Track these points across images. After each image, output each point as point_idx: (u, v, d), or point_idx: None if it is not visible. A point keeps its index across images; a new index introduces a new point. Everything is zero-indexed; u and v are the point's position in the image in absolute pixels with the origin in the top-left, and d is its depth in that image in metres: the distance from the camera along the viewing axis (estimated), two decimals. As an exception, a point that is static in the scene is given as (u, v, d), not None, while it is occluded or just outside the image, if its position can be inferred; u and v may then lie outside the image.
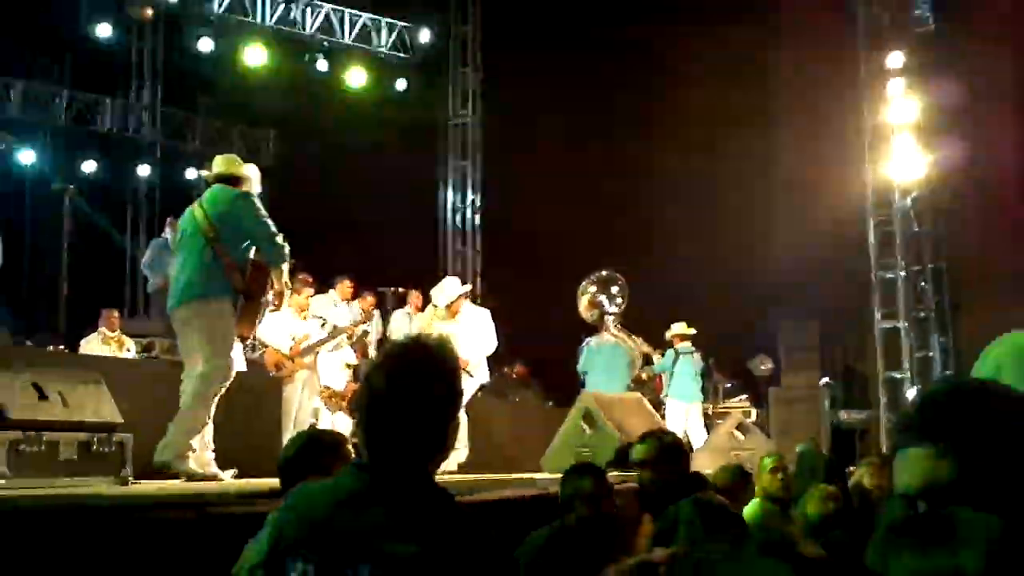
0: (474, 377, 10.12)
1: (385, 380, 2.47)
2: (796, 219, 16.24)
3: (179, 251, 7.35)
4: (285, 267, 7.27)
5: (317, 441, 4.27)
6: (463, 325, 10.36)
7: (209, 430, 7.13)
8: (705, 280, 15.55)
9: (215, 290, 6.98)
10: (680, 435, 7.29)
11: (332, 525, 2.38)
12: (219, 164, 7.49)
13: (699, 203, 16.12)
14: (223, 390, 7.04)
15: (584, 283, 13.30)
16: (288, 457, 4.06)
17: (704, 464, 7.97)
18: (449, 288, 10.63)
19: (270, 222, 7.08)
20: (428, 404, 2.47)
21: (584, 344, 13.17)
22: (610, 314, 13.08)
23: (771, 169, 16.53)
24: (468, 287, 10.49)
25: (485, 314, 10.59)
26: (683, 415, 13.19)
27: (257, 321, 7.30)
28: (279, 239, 7.09)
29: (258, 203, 7.18)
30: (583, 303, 13.25)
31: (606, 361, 12.85)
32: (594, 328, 13.22)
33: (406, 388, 2.45)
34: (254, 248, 7.08)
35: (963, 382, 1.96)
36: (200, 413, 6.98)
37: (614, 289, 13.21)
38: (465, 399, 9.48)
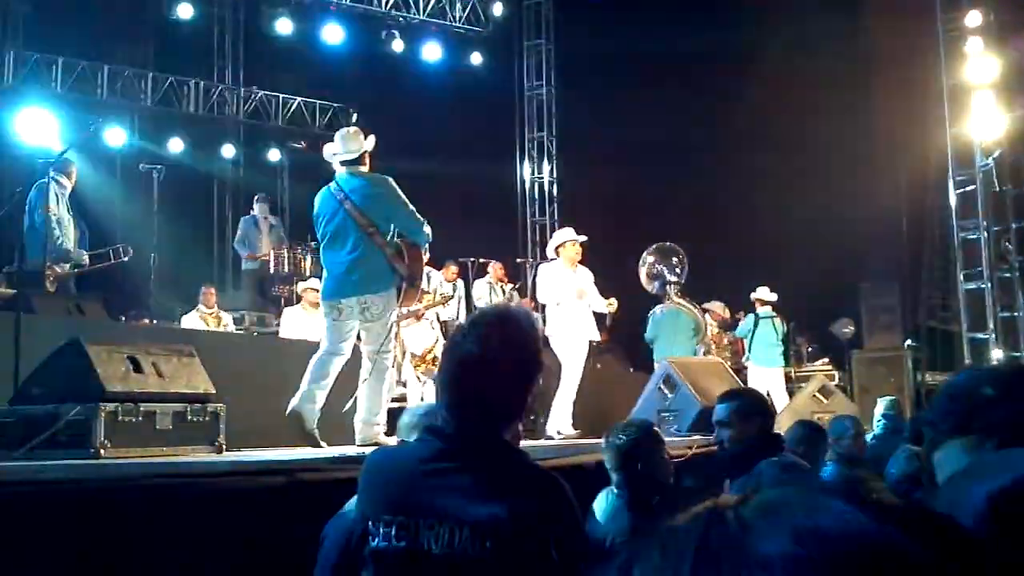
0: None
1: (471, 346, 2.51)
2: (878, 181, 16.02)
3: (328, 240, 7.42)
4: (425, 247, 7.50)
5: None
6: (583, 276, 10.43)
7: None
8: (786, 243, 15.38)
9: (383, 284, 7.21)
10: (762, 399, 7.25)
11: (411, 488, 2.43)
12: (344, 143, 7.54)
13: (779, 169, 15.92)
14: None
15: (644, 255, 13.30)
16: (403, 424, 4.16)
17: (787, 428, 7.92)
18: (559, 235, 10.68)
19: (409, 204, 7.27)
20: (512, 370, 2.51)
21: (651, 314, 13.22)
22: (671, 283, 13.05)
23: (852, 131, 16.26)
24: (581, 237, 10.52)
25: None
26: (764, 380, 13.10)
27: (415, 298, 7.68)
28: (421, 221, 7.30)
29: (394, 185, 7.33)
30: (643, 274, 13.25)
31: (671, 328, 12.91)
32: (658, 299, 13.23)
33: (492, 354, 2.49)
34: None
35: (979, 370, 1.99)
36: (383, 394, 7.28)
37: (674, 259, 13.18)
38: (576, 353, 9.66)
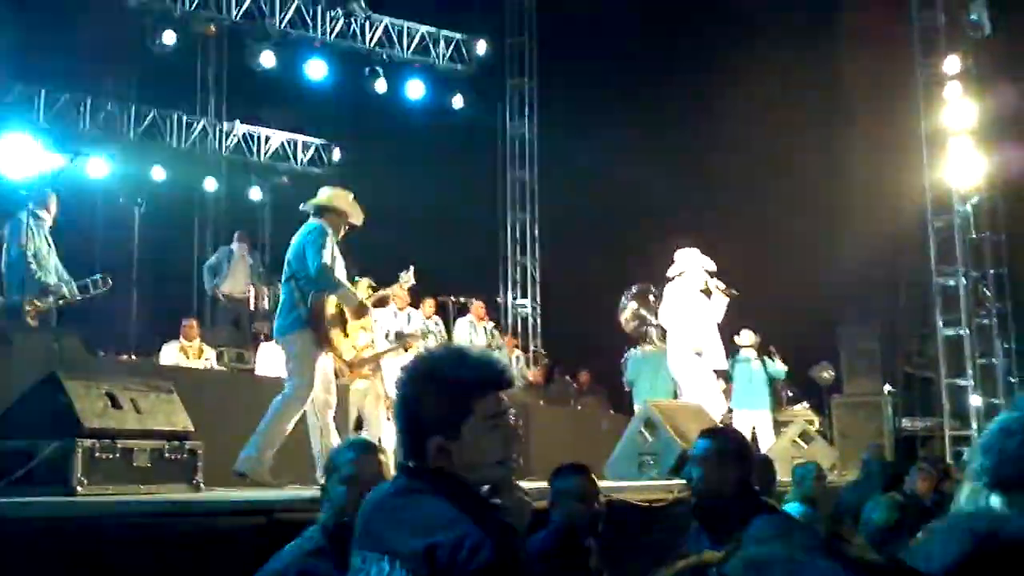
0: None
1: (408, 386, 2.56)
2: (856, 226, 16.09)
3: None
4: (341, 294, 7.64)
5: (358, 449, 4.34)
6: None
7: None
8: (766, 287, 15.42)
9: (291, 327, 7.51)
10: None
11: (370, 522, 2.51)
12: (317, 197, 7.95)
13: (757, 212, 16.01)
14: (301, 408, 7.44)
15: (623, 297, 13.30)
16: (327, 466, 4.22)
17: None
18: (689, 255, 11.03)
19: (324, 254, 7.45)
20: (439, 406, 2.52)
21: (627, 355, 13.20)
22: (652, 325, 13.07)
23: (830, 176, 16.37)
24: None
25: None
26: (748, 423, 13.07)
27: (336, 341, 7.70)
28: (321, 268, 7.44)
29: (321, 236, 7.53)
30: (625, 316, 13.24)
31: (651, 371, 12.90)
32: (635, 340, 13.25)
33: (421, 392, 2.53)
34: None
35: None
36: (280, 427, 7.36)
37: (652, 299, 13.18)
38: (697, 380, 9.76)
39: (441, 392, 2.52)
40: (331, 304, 7.64)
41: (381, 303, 8.28)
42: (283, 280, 7.67)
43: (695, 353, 10.66)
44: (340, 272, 7.70)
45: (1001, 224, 16.25)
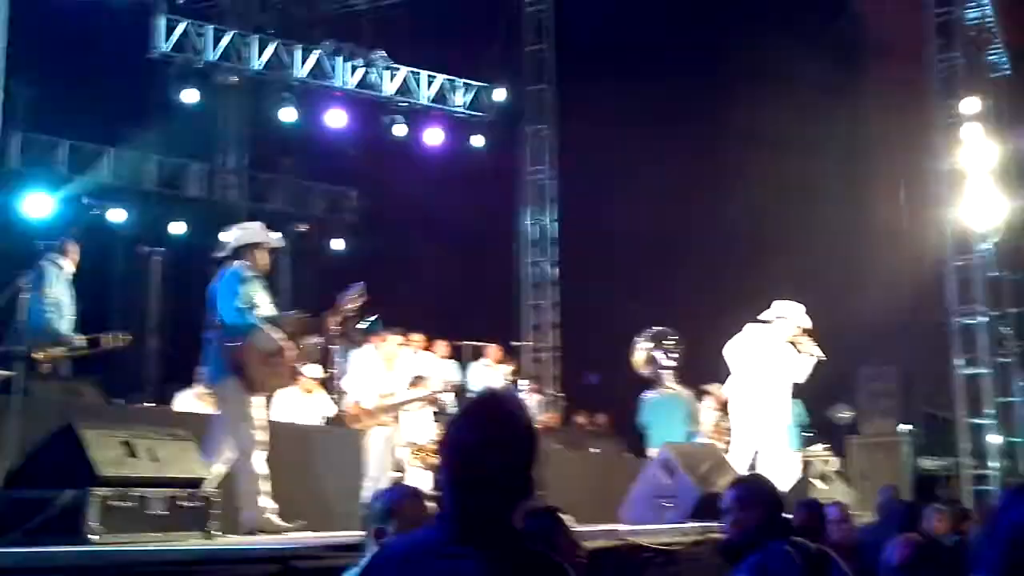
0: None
1: (467, 434, 2.54)
2: (876, 266, 16.06)
3: None
4: (255, 337, 7.45)
5: (401, 494, 4.32)
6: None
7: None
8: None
9: (216, 377, 7.51)
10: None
11: (425, 575, 2.45)
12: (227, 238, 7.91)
13: (776, 252, 15.98)
14: (264, 450, 7.35)
15: (638, 339, 13.24)
16: (372, 510, 4.14)
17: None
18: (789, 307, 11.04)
19: (236, 299, 7.41)
20: (514, 454, 2.53)
21: (643, 398, 13.13)
22: (666, 368, 13.02)
23: (849, 217, 16.36)
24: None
25: None
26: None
27: (262, 384, 7.51)
28: (232, 318, 7.38)
29: (234, 281, 7.50)
30: (638, 359, 13.17)
31: (665, 414, 12.84)
32: (651, 383, 13.17)
33: (493, 439, 2.51)
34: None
35: None
36: (255, 479, 7.29)
37: (668, 343, 13.14)
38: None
39: None
40: (268, 343, 7.50)
41: (307, 331, 7.99)
42: (205, 330, 7.58)
43: (741, 393, 10.70)
44: (266, 309, 7.63)
45: (1021, 263, 16.20)
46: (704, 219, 17.01)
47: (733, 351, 10.88)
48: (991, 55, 16.63)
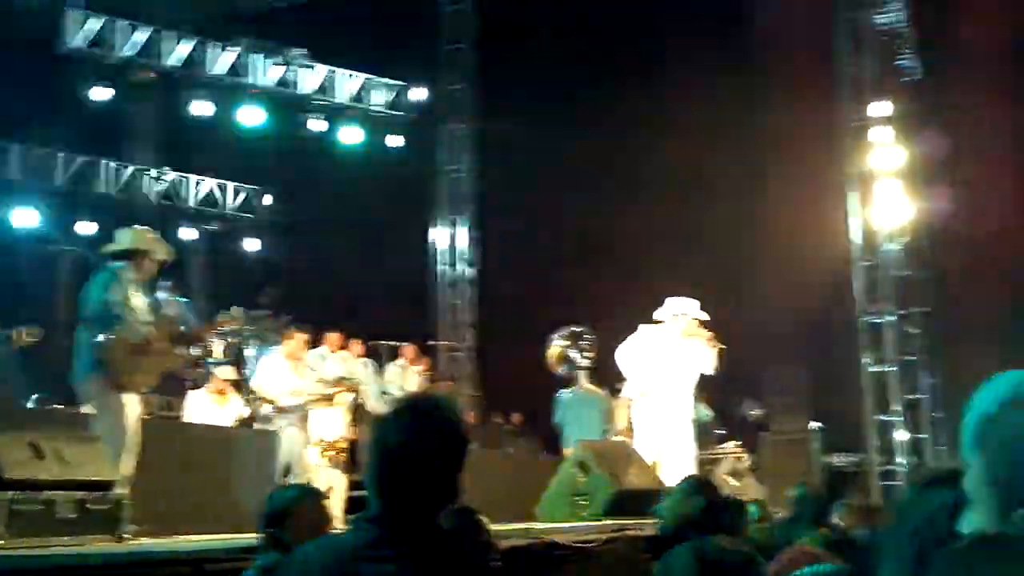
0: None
1: (401, 434, 2.52)
2: (785, 266, 16.29)
3: None
4: (119, 333, 7.27)
5: (298, 493, 4.28)
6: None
7: None
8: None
9: (82, 374, 7.30)
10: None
11: None
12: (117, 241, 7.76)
13: (688, 253, 16.17)
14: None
15: (553, 337, 13.29)
16: (265, 512, 4.07)
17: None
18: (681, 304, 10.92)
19: (106, 296, 7.26)
20: (444, 455, 2.53)
21: (558, 397, 13.17)
22: (581, 367, 13.08)
23: (759, 217, 16.58)
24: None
25: None
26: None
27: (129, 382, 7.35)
28: (97, 314, 7.25)
29: (107, 280, 7.37)
30: (552, 357, 13.23)
31: (580, 413, 12.84)
32: (567, 382, 13.23)
33: (422, 442, 2.50)
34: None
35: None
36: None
37: (583, 342, 13.20)
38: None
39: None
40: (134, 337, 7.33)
41: (186, 340, 7.84)
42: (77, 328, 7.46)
43: (640, 395, 10.70)
44: (143, 314, 7.46)
45: (927, 264, 16.54)
46: (622, 218, 17.13)
47: (627, 354, 10.84)
48: (901, 59, 16.93)
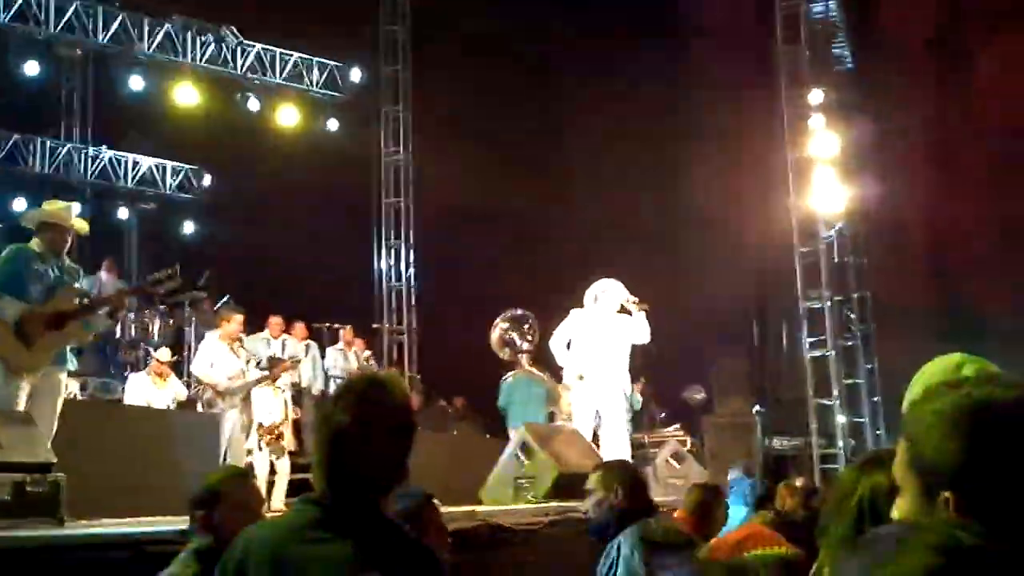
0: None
1: (347, 416, 2.50)
2: (726, 251, 16.44)
3: None
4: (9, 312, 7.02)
5: (227, 475, 4.27)
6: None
7: None
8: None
9: None
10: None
11: (283, 558, 2.41)
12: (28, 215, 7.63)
13: (629, 240, 16.26)
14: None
15: (496, 321, 13.31)
16: (195, 495, 4.03)
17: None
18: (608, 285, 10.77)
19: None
20: (391, 437, 2.52)
21: (502, 381, 13.21)
22: (523, 350, 13.10)
23: (697, 203, 16.71)
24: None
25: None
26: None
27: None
28: None
29: (13, 256, 7.19)
30: (495, 341, 13.26)
31: (523, 396, 12.95)
32: (510, 365, 13.25)
33: (369, 423, 2.49)
34: None
35: None
36: None
37: (525, 326, 13.23)
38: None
39: None
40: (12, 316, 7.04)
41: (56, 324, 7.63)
42: None
43: (577, 378, 10.67)
44: (44, 289, 7.20)
45: (863, 249, 16.77)
46: (559, 200, 17.18)
47: (559, 340, 10.80)
48: (835, 48, 17.14)
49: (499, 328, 13.26)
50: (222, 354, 10.24)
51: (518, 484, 9.45)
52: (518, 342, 13.16)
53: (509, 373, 13.18)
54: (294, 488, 9.81)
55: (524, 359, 13.12)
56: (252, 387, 10.17)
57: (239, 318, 10.62)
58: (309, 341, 13.85)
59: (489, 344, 13.18)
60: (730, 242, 16.45)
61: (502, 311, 13.39)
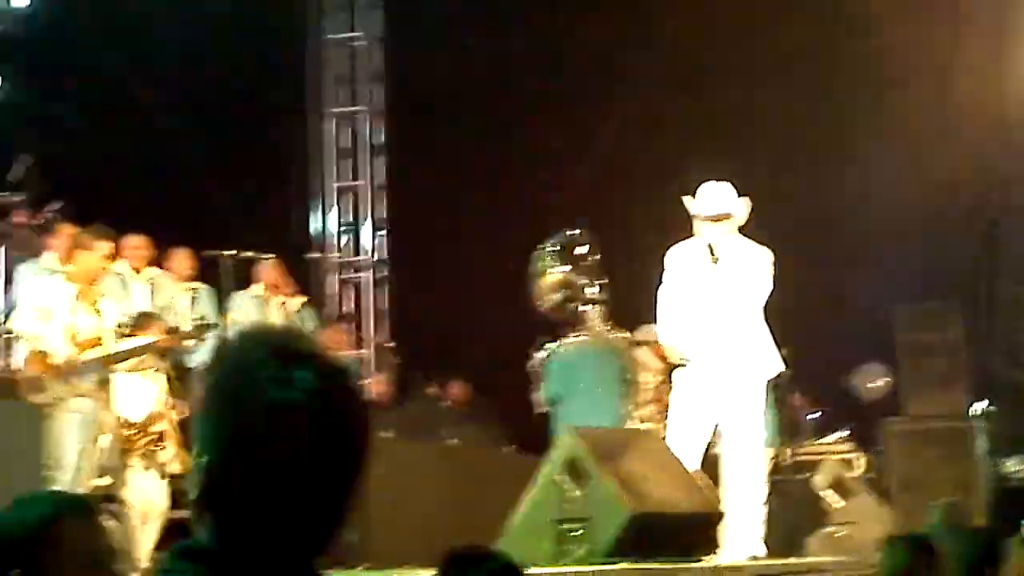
0: None
1: (252, 416, 2.40)
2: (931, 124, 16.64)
3: None
4: None
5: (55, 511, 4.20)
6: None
7: None
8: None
9: None
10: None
11: None
12: None
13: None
14: None
15: (543, 253, 12.64)
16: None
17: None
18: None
19: None
20: (328, 457, 2.43)
21: (544, 355, 12.72)
22: (591, 300, 12.72)
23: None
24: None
25: None
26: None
27: None
28: None
29: None
30: (547, 284, 12.59)
31: (590, 377, 12.57)
32: (558, 325, 12.90)
33: (288, 428, 2.39)
34: None
35: None
36: None
37: (585, 263, 12.70)
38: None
39: None
40: None
41: None
42: None
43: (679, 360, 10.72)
44: None
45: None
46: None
47: (669, 311, 10.88)
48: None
49: (555, 266, 12.61)
50: (67, 302, 10.20)
51: (562, 531, 9.47)
52: (582, 286, 12.62)
53: (557, 342, 12.76)
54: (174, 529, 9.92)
55: (593, 314, 12.69)
56: (114, 364, 10.18)
57: (102, 245, 10.65)
58: (197, 284, 13.87)
59: (533, 290, 12.68)
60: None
61: (553, 234, 12.84)
